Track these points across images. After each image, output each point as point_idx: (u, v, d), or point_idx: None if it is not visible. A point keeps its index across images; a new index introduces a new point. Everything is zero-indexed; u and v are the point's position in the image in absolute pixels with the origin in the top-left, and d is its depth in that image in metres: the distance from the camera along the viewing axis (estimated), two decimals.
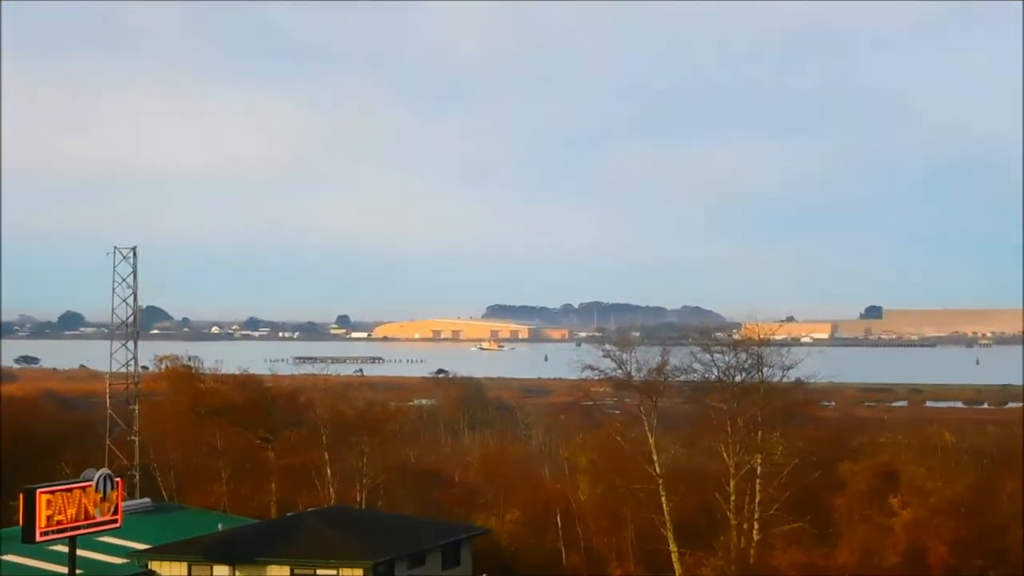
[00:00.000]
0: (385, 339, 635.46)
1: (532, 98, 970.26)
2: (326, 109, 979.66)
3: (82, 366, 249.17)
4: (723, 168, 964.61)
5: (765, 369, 62.66)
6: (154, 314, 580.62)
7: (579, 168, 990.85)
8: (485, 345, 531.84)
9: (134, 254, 76.36)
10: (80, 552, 48.78)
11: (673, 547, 62.01)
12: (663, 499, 62.08)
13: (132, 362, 76.75)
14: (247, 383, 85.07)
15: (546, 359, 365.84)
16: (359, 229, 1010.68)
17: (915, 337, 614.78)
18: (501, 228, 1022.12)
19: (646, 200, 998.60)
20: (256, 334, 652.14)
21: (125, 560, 55.42)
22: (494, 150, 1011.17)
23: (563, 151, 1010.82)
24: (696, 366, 63.96)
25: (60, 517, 45.74)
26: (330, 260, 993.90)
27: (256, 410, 76.89)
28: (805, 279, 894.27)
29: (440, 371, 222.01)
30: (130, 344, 76.71)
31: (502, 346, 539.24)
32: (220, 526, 60.24)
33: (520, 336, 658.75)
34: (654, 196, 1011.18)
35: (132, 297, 76.71)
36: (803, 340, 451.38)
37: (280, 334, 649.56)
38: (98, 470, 48.50)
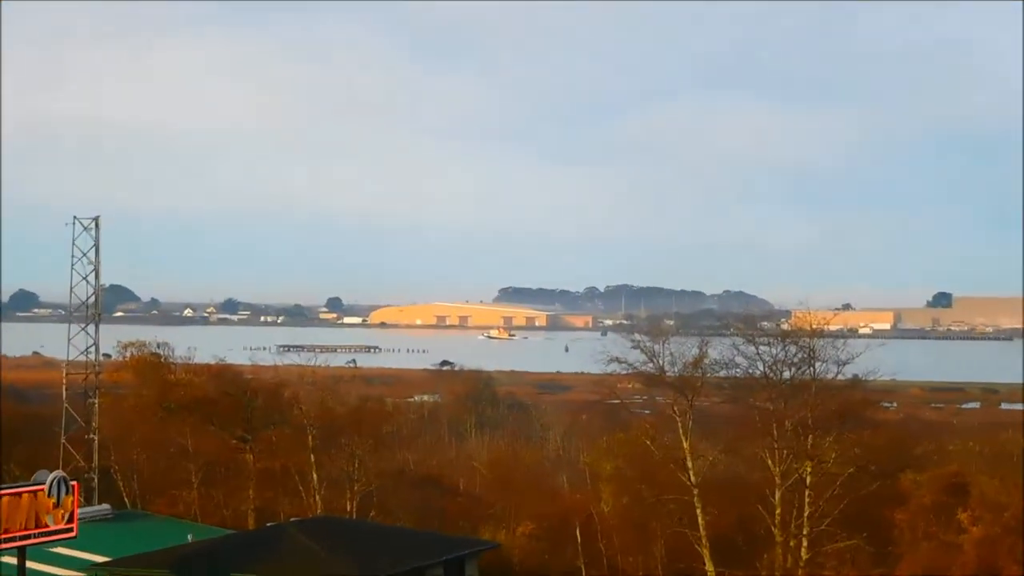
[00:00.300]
0: (382, 325, 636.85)
1: (558, 55, 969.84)
2: (321, 64, 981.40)
3: (35, 353, 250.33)
4: (771, 136, 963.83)
5: (818, 364, 62.53)
6: (118, 294, 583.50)
7: (608, 135, 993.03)
8: (494, 333, 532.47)
9: (96, 225, 76.43)
10: (30, 565, 48.84)
11: (709, 566, 62.02)
12: (698, 512, 62.08)
13: (92, 349, 76.84)
14: (223, 375, 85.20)
15: (566, 350, 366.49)
16: (354, 200, 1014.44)
17: (990, 329, 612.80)
18: (517, 200, 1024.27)
19: (683, 171, 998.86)
20: (234, 318, 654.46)
21: (81, 574, 55.57)
22: (512, 112, 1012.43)
23: (591, 115, 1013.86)
24: (739, 360, 63.90)
25: (8, 525, 45.79)
26: (320, 235, 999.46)
27: (233, 406, 76.99)
28: (864, 261, 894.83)
29: (444, 363, 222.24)
30: (90, 328, 76.83)
31: (513, 334, 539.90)
32: (190, 537, 60.38)
33: (537, 323, 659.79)
34: (692, 167, 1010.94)
35: (93, 274, 76.83)
36: (861, 331, 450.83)
37: (262, 318, 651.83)
38: (51, 472, 48.54)
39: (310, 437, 74.24)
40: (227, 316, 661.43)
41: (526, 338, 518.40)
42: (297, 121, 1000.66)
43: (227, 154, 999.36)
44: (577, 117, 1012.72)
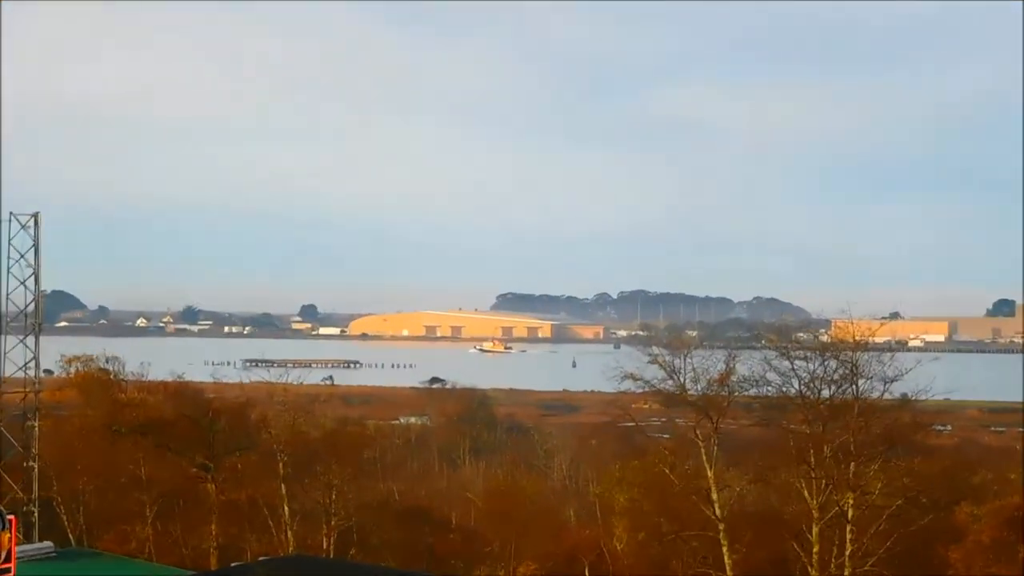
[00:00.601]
0: (363, 337, 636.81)
1: (566, 25, 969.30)
2: (295, 36, 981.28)
3: None
4: (803, 119, 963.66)
5: (861, 381, 62.49)
6: (61, 301, 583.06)
7: (622, 118, 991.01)
8: (487, 346, 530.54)
9: (36, 222, 76.41)
10: None
11: None
12: (725, 550, 62.06)
13: (32, 364, 76.83)
14: (181, 393, 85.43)
15: (573, 365, 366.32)
16: (332, 193, 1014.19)
17: None
18: (517, 193, 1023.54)
19: (706, 161, 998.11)
20: (194, 328, 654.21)
21: None
22: (512, 91, 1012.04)
23: (603, 95, 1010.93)
24: (771, 376, 63.86)
25: None
26: (293, 232, 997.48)
27: (193, 429, 77.01)
28: (915, 263, 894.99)
29: (434, 380, 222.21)
30: (30, 340, 76.81)
31: (509, 347, 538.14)
32: None
33: (540, 334, 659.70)
34: (717, 156, 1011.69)
35: (33, 279, 76.81)
36: (911, 343, 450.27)
37: (226, 329, 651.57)
38: None
39: (281, 464, 74.24)
40: (186, 326, 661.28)
41: (524, 351, 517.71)
42: (270, 104, 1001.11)
43: (190, 141, 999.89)
44: (585, 96, 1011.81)
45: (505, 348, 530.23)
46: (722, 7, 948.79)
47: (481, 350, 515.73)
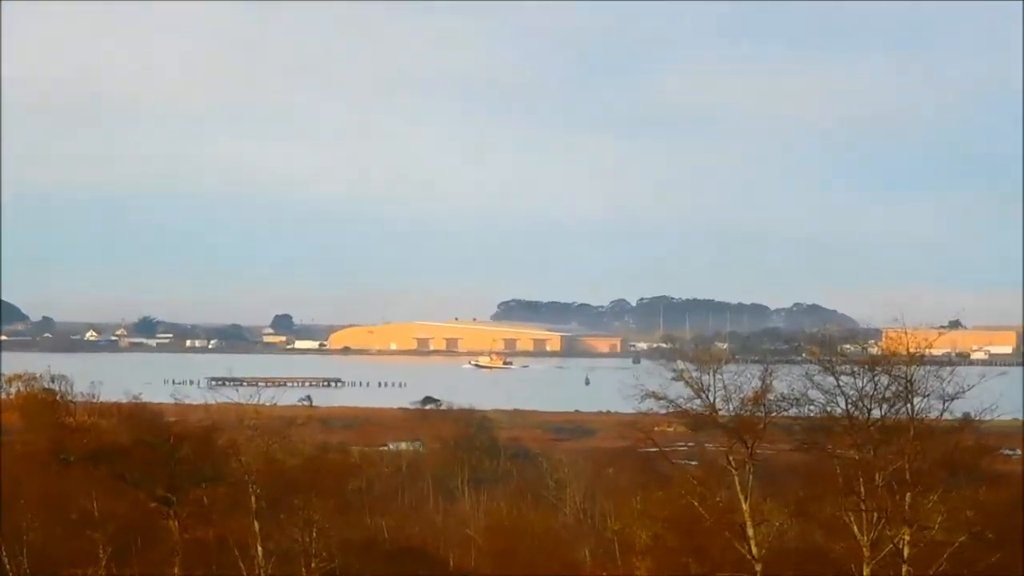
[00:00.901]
0: (346, 351, 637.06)
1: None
2: (260, 19, 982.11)
3: None
4: (848, 94, 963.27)
5: (917, 399, 62.51)
6: None
7: (639, 94, 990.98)
8: (483, 361, 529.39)
9: None
10: None
11: None
12: None
13: None
14: (138, 416, 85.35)
15: (587, 382, 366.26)
16: (309, 185, 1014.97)
17: None
18: (521, 184, 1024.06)
19: (735, 144, 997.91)
20: (152, 342, 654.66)
21: None
22: (514, 64, 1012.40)
23: (617, 68, 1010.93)
24: (813, 394, 63.87)
25: None
26: (265, 230, 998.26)
27: (151, 457, 76.96)
28: (978, 262, 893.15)
29: (428, 400, 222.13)
30: None
31: (509, 362, 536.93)
32: None
33: (548, 347, 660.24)
34: (747, 138, 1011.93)
35: None
36: (974, 356, 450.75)
37: (188, 342, 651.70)
38: None
39: (253, 498, 74.16)
40: (142, 340, 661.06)
41: (527, 367, 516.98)
42: (242, 82, 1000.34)
43: (143, 119, 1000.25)
44: (596, 79, 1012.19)
45: (504, 363, 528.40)
46: None
47: (477, 365, 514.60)
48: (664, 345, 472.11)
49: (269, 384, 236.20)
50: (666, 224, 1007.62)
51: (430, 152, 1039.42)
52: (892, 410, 62.97)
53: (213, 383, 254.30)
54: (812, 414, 64.33)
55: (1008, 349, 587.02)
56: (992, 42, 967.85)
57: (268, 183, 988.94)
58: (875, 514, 61.20)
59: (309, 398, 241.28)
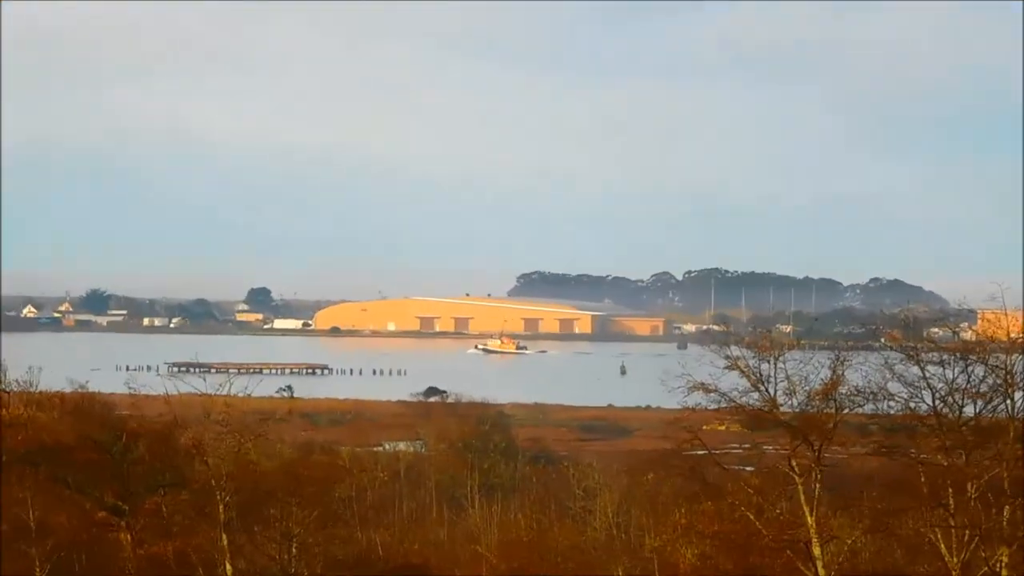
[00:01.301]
0: (334, 332, 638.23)
1: None
2: None
3: None
4: (939, 43, 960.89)
5: (1019, 395, 62.37)
6: None
7: (682, 37, 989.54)
8: (491, 344, 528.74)
9: None
10: None
11: None
12: None
13: None
14: (84, 409, 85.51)
15: (623, 371, 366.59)
16: (294, 138, 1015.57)
17: None
18: (544, 141, 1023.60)
19: (794, 93, 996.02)
20: (103, 320, 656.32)
21: None
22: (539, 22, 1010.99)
23: (655, 17, 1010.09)
24: (894, 387, 63.76)
25: None
26: (238, 190, 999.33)
27: (100, 458, 77.17)
28: None
29: (432, 391, 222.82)
30: None
31: (523, 346, 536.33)
32: None
33: (577, 329, 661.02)
34: (809, 85, 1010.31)
35: None
36: None
37: (146, 321, 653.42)
38: None
39: (221, 507, 74.36)
40: (91, 317, 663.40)
41: (545, 352, 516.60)
42: (207, 19, 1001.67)
43: (97, 63, 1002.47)
44: (632, 21, 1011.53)
45: (517, 348, 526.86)
46: None
47: (484, 350, 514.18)
48: (715, 327, 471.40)
49: (242, 371, 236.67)
50: (722, 183, 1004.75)
51: (438, 102, 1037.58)
52: (989, 407, 62.92)
53: (175, 369, 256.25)
54: (892, 411, 64.28)
55: None
56: None
57: (240, 131, 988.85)
58: (967, 531, 61.13)
59: (290, 388, 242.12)
